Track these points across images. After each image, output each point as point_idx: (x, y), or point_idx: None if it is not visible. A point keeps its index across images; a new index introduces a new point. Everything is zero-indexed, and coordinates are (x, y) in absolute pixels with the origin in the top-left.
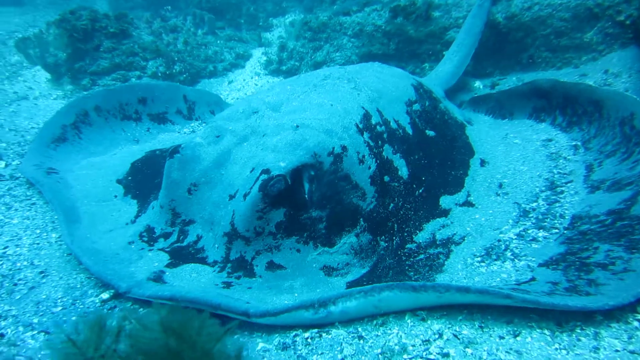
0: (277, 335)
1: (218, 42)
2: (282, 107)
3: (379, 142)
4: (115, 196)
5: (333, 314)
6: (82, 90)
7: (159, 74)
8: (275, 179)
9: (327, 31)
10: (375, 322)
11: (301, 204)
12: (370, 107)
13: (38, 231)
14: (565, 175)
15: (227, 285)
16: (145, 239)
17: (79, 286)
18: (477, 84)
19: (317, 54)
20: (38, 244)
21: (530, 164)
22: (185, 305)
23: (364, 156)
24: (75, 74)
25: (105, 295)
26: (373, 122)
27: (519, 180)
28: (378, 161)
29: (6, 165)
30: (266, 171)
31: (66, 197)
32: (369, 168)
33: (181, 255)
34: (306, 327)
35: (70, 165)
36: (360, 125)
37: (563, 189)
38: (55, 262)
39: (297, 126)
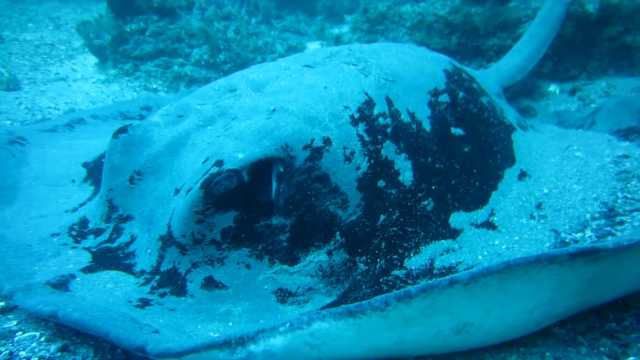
0: None
1: (271, 32)
2: (267, 87)
3: (379, 137)
4: (73, 181)
5: (255, 355)
6: (124, 76)
7: (202, 62)
8: (224, 174)
9: (385, 22)
10: None
11: (260, 208)
12: (376, 94)
13: None
14: (633, 202)
15: (144, 303)
16: (74, 233)
17: None
18: (553, 88)
19: None
20: None
21: (587, 183)
22: (69, 326)
23: (352, 153)
24: (119, 58)
25: None
26: (375, 112)
27: (565, 202)
28: (372, 160)
29: None
30: (219, 163)
31: (9, 174)
32: (358, 169)
33: (106, 259)
34: None
35: (45, 142)
36: (357, 115)
37: (625, 218)
38: None
39: (274, 110)
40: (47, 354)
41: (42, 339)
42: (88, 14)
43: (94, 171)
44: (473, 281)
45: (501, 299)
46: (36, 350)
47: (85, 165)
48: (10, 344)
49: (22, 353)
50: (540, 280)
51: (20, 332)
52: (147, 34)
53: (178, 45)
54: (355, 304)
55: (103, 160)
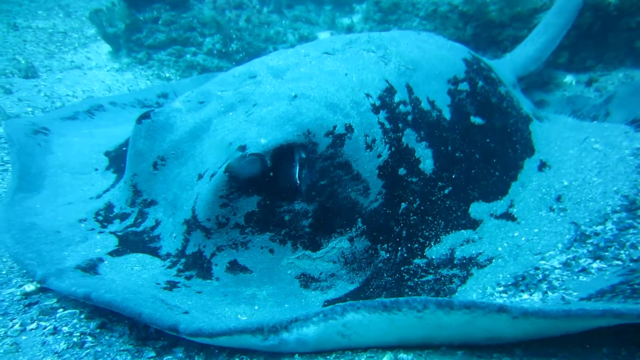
0: None
1: (283, 21)
2: (287, 74)
3: (399, 124)
4: (96, 169)
5: (287, 342)
6: (137, 64)
7: (215, 52)
8: (248, 158)
9: (399, 12)
10: None
11: (283, 193)
12: (396, 82)
13: None
14: None
15: (172, 285)
16: (101, 218)
17: (4, 272)
18: (569, 79)
19: None
20: None
21: (607, 176)
22: (102, 307)
23: (374, 140)
24: (132, 47)
25: (30, 287)
26: (396, 99)
27: (585, 195)
28: (393, 148)
29: None
30: (242, 148)
31: (36, 163)
32: (379, 156)
33: (132, 242)
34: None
35: (67, 131)
36: (378, 103)
37: None
38: None
39: (295, 96)
40: (88, 330)
41: (82, 316)
42: (97, 2)
43: (115, 159)
44: (524, 317)
45: (544, 330)
46: (77, 326)
47: (107, 154)
48: (53, 320)
49: (65, 329)
50: (592, 324)
51: (61, 310)
52: (160, 22)
53: (190, 34)
54: (392, 299)
55: (124, 148)
